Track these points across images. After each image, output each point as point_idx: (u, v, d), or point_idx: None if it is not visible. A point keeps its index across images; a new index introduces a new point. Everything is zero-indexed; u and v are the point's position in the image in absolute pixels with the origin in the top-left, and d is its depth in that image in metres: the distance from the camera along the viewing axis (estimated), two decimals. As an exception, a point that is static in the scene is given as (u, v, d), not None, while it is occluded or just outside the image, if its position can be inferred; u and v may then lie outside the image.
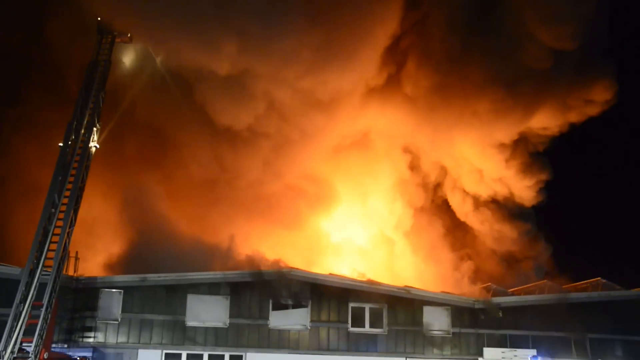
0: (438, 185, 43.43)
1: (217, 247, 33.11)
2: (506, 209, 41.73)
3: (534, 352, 29.84)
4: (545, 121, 39.56)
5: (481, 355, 30.79)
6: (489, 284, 35.48)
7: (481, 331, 31.33)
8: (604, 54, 38.44)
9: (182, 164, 36.31)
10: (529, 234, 41.89)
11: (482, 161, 40.93)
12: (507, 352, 30.15)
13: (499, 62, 36.92)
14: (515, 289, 35.58)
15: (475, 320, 31.38)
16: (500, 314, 31.26)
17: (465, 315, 31.52)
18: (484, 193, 41.26)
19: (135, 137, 35.61)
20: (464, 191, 42.18)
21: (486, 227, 41.85)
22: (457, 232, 43.12)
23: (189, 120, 35.33)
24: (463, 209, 42.28)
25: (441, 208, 43.46)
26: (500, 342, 31.14)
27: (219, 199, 36.45)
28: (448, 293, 32.60)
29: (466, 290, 35.05)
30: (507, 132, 39.50)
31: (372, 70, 36.96)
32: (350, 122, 39.21)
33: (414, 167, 42.39)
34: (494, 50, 36.85)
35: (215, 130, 35.30)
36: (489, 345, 30.96)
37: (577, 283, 36.14)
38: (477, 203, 41.92)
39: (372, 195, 41.87)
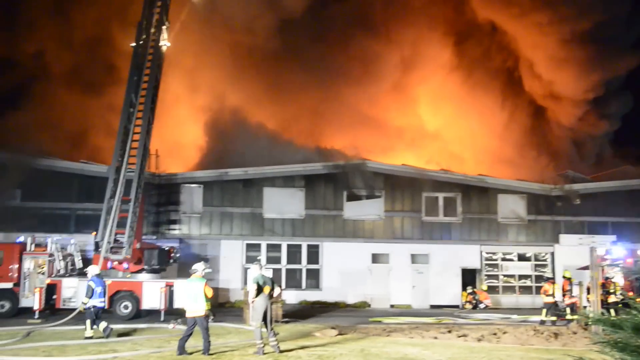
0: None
1: (291, 140, 33.51)
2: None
3: (613, 238, 29.31)
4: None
5: (557, 242, 30.64)
6: (567, 170, 34.59)
7: (558, 218, 31.01)
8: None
9: (259, 59, 36.24)
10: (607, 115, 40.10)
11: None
12: (585, 239, 29.72)
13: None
14: (595, 175, 34.56)
15: (551, 207, 30.99)
16: (579, 201, 30.66)
17: (542, 203, 31.14)
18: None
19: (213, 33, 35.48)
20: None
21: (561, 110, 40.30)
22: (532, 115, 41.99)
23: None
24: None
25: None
26: (578, 229, 30.81)
27: (293, 93, 36.50)
28: (524, 180, 32.03)
29: (542, 175, 34.20)
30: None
31: None
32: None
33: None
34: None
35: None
36: (565, 232, 30.70)
37: (662, 168, 34.68)
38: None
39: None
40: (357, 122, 36.29)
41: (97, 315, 16.13)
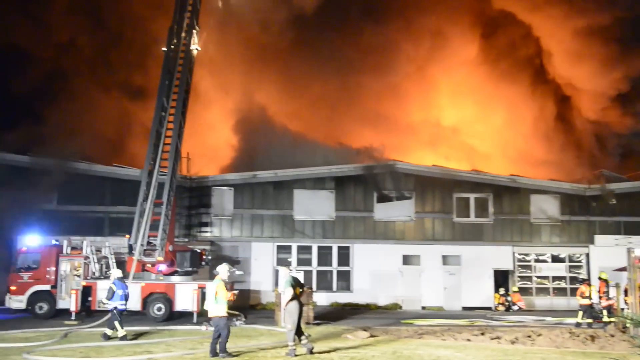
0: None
1: (320, 143, 33.62)
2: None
3: (651, 238, 28.63)
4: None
5: (592, 242, 30.08)
6: (601, 169, 33.92)
7: (593, 219, 30.44)
8: None
9: (290, 62, 36.49)
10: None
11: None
12: (621, 239, 29.18)
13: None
14: (632, 173, 33.79)
15: (586, 207, 30.44)
16: (614, 201, 30.02)
17: (576, 203, 30.62)
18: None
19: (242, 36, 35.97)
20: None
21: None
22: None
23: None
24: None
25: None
26: (614, 230, 30.18)
27: (322, 95, 36.67)
28: (557, 180, 31.53)
29: (574, 175, 33.61)
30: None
31: None
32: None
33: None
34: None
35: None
36: (601, 233, 30.11)
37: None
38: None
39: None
40: (380, 119, 36.36)
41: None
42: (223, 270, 13.53)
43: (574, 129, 40.83)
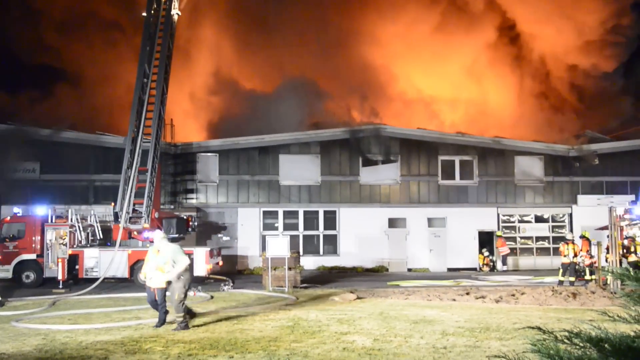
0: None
1: (305, 107, 33.49)
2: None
3: (632, 197, 28.96)
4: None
5: (575, 202, 30.47)
6: (585, 130, 34.17)
7: (576, 179, 30.79)
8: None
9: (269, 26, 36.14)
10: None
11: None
12: (603, 199, 29.52)
13: None
14: (614, 134, 34.11)
15: (569, 168, 30.74)
16: (597, 161, 30.32)
17: (559, 164, 30.90)
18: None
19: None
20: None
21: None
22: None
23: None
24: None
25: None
26: (596, 189, 30.59)
27: (307, 58, 36.43)
28: (541, 142, 31.72)
29: (559, 136, 33.79)
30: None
31: None
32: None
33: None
34: None
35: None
36: (583, 193, 30.51)
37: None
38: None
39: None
40: (361, 84, 36.24)
41: None
42: (157, 236, 12.65)
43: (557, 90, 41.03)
